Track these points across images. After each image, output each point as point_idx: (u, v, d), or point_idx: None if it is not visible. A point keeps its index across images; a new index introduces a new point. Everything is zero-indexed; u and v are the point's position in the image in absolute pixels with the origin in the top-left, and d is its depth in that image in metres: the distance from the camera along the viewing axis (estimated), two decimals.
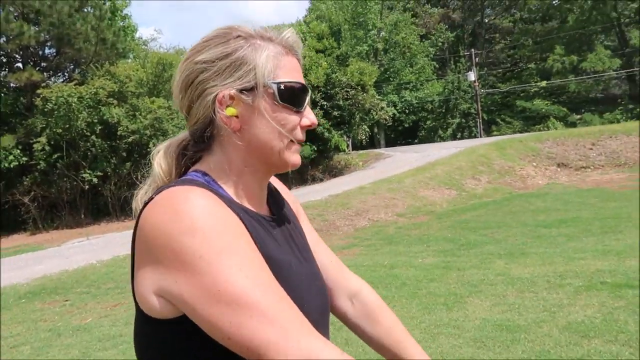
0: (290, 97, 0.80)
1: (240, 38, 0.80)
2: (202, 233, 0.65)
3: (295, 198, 1.06)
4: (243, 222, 0.74)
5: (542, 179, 14.50)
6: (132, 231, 0.74)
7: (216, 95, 0.78)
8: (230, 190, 0.81)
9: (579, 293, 4.44)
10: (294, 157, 0.84)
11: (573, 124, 29.00)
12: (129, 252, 0.75)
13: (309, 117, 0.84)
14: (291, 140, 0.82)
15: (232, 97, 0.78)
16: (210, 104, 0.79)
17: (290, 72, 0.81)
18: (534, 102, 31.68)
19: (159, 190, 0.73)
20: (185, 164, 0.86)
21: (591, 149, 16.11)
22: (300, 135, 0.83)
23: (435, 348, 3.61)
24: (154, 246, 0.67)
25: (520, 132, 26.72)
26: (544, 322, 3.87)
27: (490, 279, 5.20)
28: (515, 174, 14.58)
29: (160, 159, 0.85)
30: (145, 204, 0.71)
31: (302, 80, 0.83)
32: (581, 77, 31.32)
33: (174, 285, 0.65)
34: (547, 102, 31.62)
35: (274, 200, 0.94)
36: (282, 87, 0.79)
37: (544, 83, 31.95)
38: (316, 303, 0.84)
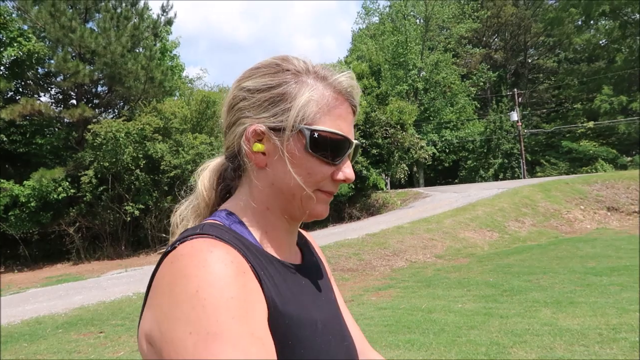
0: (325, 147, 0.73)
1: (290, 72, 0.75)
2: (202, 307, 0.59)
3: (318, 246, 1.00)
4: (264, 282, 0.68)
5: (591, 223, 13.82)
6: None
7: (246, 127, 0.75)
8: (255, 233, 0.76)
9: (635, 349, 4.08)
10: (319, 208, 0.77)
11: (623, 166, 27.82)
12: None
13: (345, 171, 0.76)
14: (319, 190, 0.75)
15: (260, 133, 0.74)
16: (240, 135, 0.75)
17: (335, 120, 0.74)
18: (581, 143, 30.72)
19: (187, 234, 0.69)
20: (222, 190, 0.84)
21: None
22: (329, 186, 0.76)
23: None
24: (157, 301, 0.65)
25: (566, 174, 25.85)
26: None
27: (536, 329, 4.87)
28: (561, 217, 13.96)
29: (204, 177, 0.84)
30: (170, 249, 0.68)
31: (347, 131, 0.75)
32: (631, 118, 30.23)
33: (159, 345, 0.62)
34: (594, 143, 30.60)
35: (304, 248, 0.88)
36: (317, 135, 0.72)
37: (591, 124, 31.04)
38: None
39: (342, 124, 0.74)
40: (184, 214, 0.82)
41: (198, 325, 0.58)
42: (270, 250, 0.76)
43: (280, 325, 0.67)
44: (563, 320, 5.10)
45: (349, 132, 0.76)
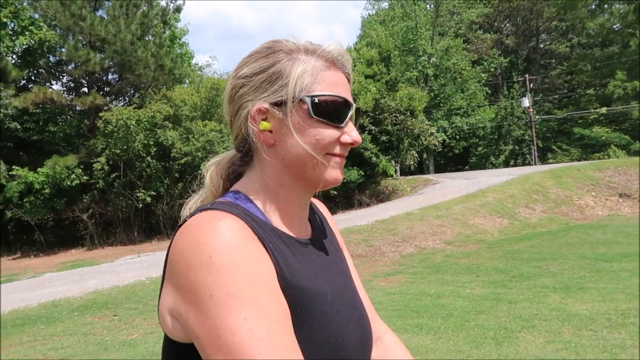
0: (327, 111, 0.76)
1: (281, 52, 0.78)
2: (218, 271, 0.63)
3: (332, 218, 1.02)
4: (272, 253, 0.71)
5: (602, 210, 13.73)
6: None
7: (250, 109, 0.78)
8: (265, 210, 0.79)
9: None
10: (333, 173, 0.79)
11: (637, 153, 27.45)
12: None
13: (351, 134, 0.79)
14: (329, 154, 0.78)
15: (264, 111, 0.77)
16: (245, 118, 0.78)
17: (331, 86, 0.77)
18: (593, 130, 30.31)
19: (197, 210, 0.73)
20: (230, 178, 0.86)
21: None
22: (339, 151, 0.79)
23: None
24: (175, 271, 0.67)
25: (578, 160, 25.59)
26: None
27: (545, 314, 4.90)
28: (572, 204, 13.88)
29: (212, 171, 0.86)
30: (181, 224, 0.72)
31: (345, 94, 0.79)
32: None
33: (184, 313, 0.66)
34: (607, 129, 30.17)
35: (316, 222, 0.90)
36: (317, 100, 0.76)
37: (604, 109, 30.57)
38: (355, 335, 0.79)
39: (338, 88, 0.78)
40: (193, 208, 0.84)
41: (216, 288, 0.62)
42: (280, 226, 0.79)
43: (289, 296, 0.69)
44: (572, 306, 5.13)
45: (348, 96, 0.79)
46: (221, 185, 0.86)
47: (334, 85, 0.78)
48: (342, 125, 0.78)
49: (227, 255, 0.64)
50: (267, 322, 0.62)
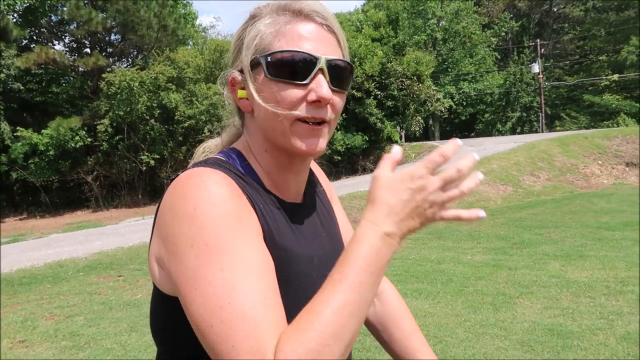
0: (284, 68, 0.70)
1: (253, 18, 0.76)
2: (200, 222, 0.63)
3: (329, 183, 1.01)
4: (260, 212, 0.71)
5: (608, 179, 13.64)
6: None
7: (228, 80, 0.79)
8: (258, 172, 0.78)
9: None
10: (304, 142, 0.72)
11: None
12: None
13: (317, 90, 0.71)
14: (300, 120, 0.72)
15: (235, 80, 0.77)
16: (227, 89, 0.80)
17: (293, 40, 0.71)
18: (604, 97, 29.80)
19: (192, 166, 0.75)
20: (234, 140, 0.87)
21: None
22: (307, 111, 0.71)
23: (479, 349, 3.45)
24: (162, 221, 0.69)
25: (587, 128, 25.26)
26: (600, 329, 3.62)
27: (543, 281, 4.93)
28: (578, 172, 13.79)
29: (224, 132, 0.89)
30: (173, 178, 0.72)
31: (311, 48, 0.71)
32: None
33: (167, 263, 0.67)
34: (618, 97, 29.65)
35: (309, 187, 0.89)
36: (270, 59, 0.71)
37: (615, 76, 29.97)
38: None
39: (304, 43, 0.71)
40: (207, 150, 0.87)
41: (198, 238, 0.62)
42: (272, 189, 0.78)
43: (275, 257, 0.68)
44: (571, 273, 5.15)
45: (317, 50, 0.71)
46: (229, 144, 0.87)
47: (297, 39, 0.71)
48: (306, 82, 0.71)
49: (210, 206, 0.64)
50: (243, 272, 0.61)
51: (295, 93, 0.71)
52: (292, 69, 0.70)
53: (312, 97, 0.71)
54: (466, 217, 0.68)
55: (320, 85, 0.71)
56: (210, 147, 0.88)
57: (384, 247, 0.63)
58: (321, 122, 0.73)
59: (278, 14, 0.74)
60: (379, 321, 0.97)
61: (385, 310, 0.98)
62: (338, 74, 0.73)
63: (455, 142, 0.65)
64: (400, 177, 0.65)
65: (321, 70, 0.71)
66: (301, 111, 0.71)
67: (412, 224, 0.66)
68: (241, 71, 0.75)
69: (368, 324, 0.98)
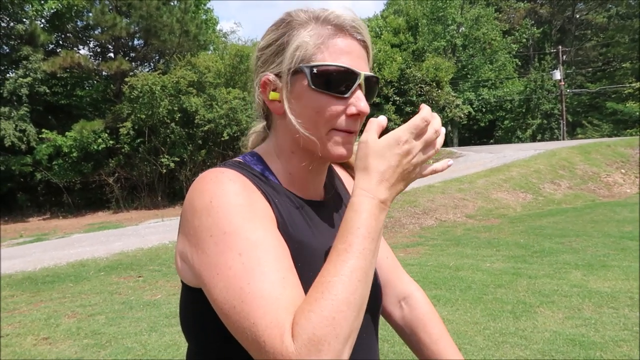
0: (328, 82, 0.75)
1: (291, 23, 0.79)
2: (216, 212, 0.68)
3: (350, 178, 1.03)
4: (275, 207, 0.75)
5: (631, 188, 13.36)
6: None
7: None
8: (277, 172, 0.82)
9: None
10: (338, 149, 0.78)
11: None
12: None
13: (357, 104, 0.76)
14: (335, 129, 0.77)
15: (269, 82, 0.79)
16: (258, 89, 0.81)
17: (335, 54, 0.75)
18: (627, 105, 29.23)
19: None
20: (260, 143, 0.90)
21: None
22: (345, 124, 0.77)
23: (499, 357, 3.42)
24: (184, 217, 0.73)
25: (609, 137, 24.79)
26: (623, 341, 3.55)
27: (565, 290, 4.86)
28: (600, 181, 13.55)
29: (252, 134, 0.92)
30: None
31: (353, 63, 0.76)
32: None
33: (190, 256, 0.71)
34: None
35: (331, 186, 0.92)
36: (316, 70, 0.74)
37: (639, 84, 29.40)
38: None
39: (344, 58, 0.75)
40: (249, 139, 0.92)
41: (216, 228, 0.67)
42: (290, 187, 0.82)
43: (290, 249, 0.71)
44: (593, 283, 5.06)
45: (356, 65, 0.76)
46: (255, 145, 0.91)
47: (339, 53, 0.75)
48: (346, 96, 0.76)
49: (225, 198, 0.69)
50: (260, 255, 0.65)
51: (336, 105, 0.76)
52: (336, 82, 0.75)
53: (351, 110, 0.76)
54: (440, 168, 0.75)
55: (359, 100, 0.76)
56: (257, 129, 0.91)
57: (380, 214, 0.68)
58: (352, 131, 0.79)
59: (320, 25, 0.77)
60: (407, 325, 0.98)
61: (413, 314, 0.98)
62: (371, 88, 0.79)
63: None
64: (387, 142, 0.70)
65: (360, 85, 0.76)
66: (340, 124, 0.77)
67: (400, 187, 0.71)
68: (277, 75, 0.78)
69: (397, 327, 0.99)
